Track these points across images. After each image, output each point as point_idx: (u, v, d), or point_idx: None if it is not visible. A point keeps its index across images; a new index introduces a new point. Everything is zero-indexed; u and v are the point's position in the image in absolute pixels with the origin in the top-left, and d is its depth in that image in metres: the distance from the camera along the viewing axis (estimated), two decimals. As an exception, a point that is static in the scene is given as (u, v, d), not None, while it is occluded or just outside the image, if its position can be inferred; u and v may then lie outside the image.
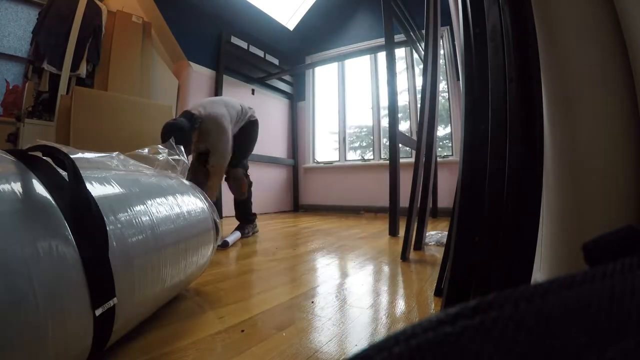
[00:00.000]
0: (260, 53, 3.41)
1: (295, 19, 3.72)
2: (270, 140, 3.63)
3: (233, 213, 2.99)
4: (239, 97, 3.22)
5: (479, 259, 0.55)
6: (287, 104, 3.96)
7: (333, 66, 3.87)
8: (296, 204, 3.88)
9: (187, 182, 0.83)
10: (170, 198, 0.67)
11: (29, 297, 0.33)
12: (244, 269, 1.10)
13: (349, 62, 3.81)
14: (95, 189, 0.49)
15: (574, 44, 0.57)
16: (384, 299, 0.83)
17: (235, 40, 3.12)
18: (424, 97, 1.41)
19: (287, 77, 3.85)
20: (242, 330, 0.62)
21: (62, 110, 1.85)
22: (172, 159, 0.86)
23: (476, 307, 0.09)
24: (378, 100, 3.56)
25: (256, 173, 3.40)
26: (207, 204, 0.82)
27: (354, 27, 3.73)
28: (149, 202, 0.59)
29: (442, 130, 3.20)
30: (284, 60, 3.75)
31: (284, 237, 1.89)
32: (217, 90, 2.95)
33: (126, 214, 0.52)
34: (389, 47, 1.92)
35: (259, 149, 3.37)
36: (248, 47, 3.27)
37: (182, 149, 0.92)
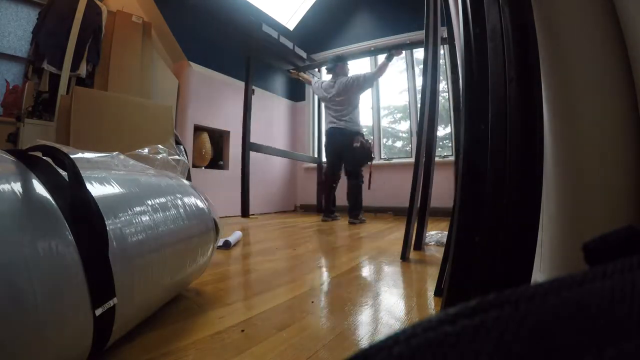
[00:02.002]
0: (289, 45, 3.31)
1: (295, 19, 3.72)
2: (270, 140, 3.63)
3: (232, 213, 3.01)
4: (238, 96, 3.21)
5: (479, 259, 0.55)
6: (287, 104, 3.96)
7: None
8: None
9: (187, 182, 0.83)
10: (170, 198, 0.67)
11: (29, 297, 0.33)
12: (244, 269, 1.10)
13: (348, 62, 3.80)
14: (95, 189, 0.49)
15: (574, 43, 0.57)
16: (384, 299, 0.83)
17: (266, 29, 2.99)
18: (424, 97, 1.41)
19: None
20: (242, 330, 0.62)
21: (62, 110, 1.84)
22: (172, 159, 0.86)
23: (476, 307, 0.09)
24: (378, 100, 3.56)
25: (257, 173, 3.41)
26: (207, 204, 0.82)
27: (355, 28, 3.72)
28: (149, 202, 0.59)
29: (442, 130, 3.20)
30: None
31: (284, 237, 1.89)
32: (248, 87, 2.85)
33: (126, 214, 0.52)
34: (434, 51, 1.73)
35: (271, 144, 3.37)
36: (278, 37, 3.16)
37: (183, 148, 0.92)
